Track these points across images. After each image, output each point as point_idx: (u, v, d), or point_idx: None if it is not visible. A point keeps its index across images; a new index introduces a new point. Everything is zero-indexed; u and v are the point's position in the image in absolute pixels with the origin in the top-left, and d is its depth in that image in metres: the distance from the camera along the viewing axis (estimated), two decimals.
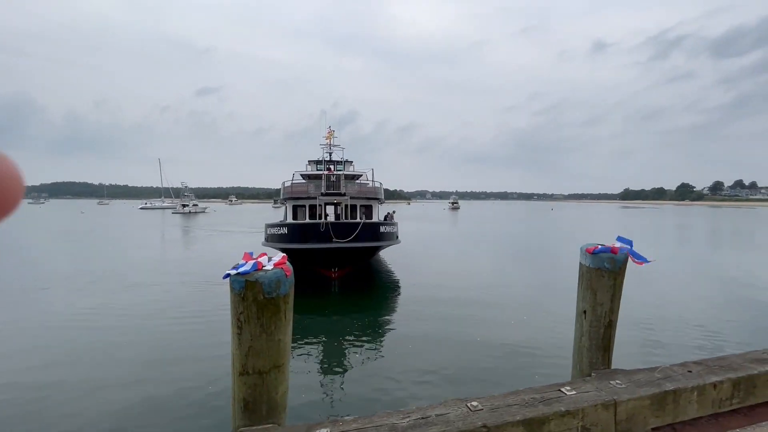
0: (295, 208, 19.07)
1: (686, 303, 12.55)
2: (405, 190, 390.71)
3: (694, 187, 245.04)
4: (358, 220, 16.79)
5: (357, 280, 15.52)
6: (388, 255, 21.98)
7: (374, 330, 9.87)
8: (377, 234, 15.42)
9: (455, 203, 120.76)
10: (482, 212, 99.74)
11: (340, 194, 17.92)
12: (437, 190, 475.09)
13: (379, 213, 21.52)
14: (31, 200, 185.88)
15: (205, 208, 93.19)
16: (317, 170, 26.24)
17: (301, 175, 22.37)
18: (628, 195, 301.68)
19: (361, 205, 19.05)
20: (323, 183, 18.25)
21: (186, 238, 34.09)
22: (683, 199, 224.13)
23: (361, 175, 23.47)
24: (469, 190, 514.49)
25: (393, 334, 9.59)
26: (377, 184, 20.22)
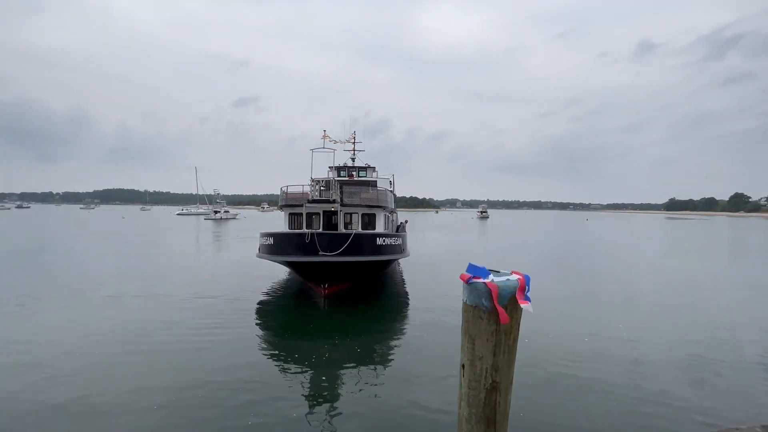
0: (291, 216, 17.59)
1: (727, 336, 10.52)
2: (435, 199, 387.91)
3: (750, 197, 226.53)
4: (352, 230, 15.37)
5: (352, 297, 13.68)
6: (406, 268, 20.93)
7: (350, 357, 8.55)
8: (374, 246, 13.77)
9: (484, 212, 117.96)
10: (512, 221, 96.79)
11: (329, 201, 16.00)
12: (468, 199, 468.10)
13: (389, 222, 20.03)
14: (83, 206, 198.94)
15: (236, 214, 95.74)
16: (339, 176, 25.64)
17: (312, 179, 21.87)
18: (673, 205, 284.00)
19: (363, 214, 17.19)
20: (316, 189, 16.65)
21: (209, 243, 34.90)
22: (737, 210, 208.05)
23: (375, 182, 22.44)
24: (501, 199, 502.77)
25: (382, 363, 8.26)
26: (385, 191, 18.70)
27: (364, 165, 28.06)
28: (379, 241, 14.08)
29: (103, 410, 6.19)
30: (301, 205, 16.45)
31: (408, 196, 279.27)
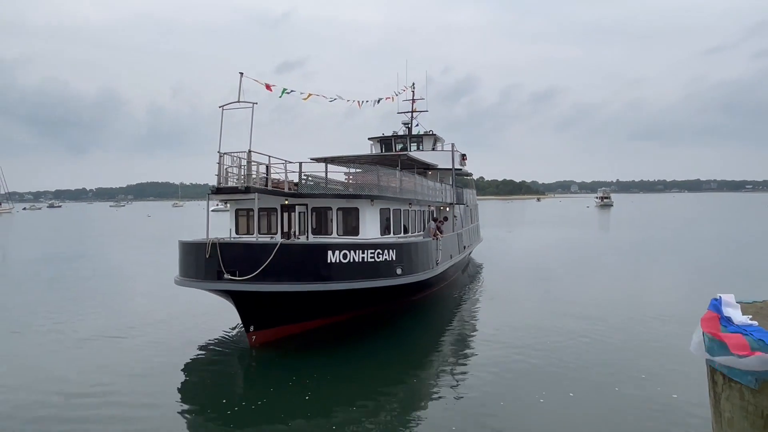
0: (237, 214, 15.35)
1: None
2: (539, 181, 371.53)
3: None
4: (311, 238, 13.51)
5: (300, 343, 11.62)
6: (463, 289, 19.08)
7: None
8: (317, 267, 11.24)
9: (606, 198, 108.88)
10: (650, 209, 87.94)
11: (235, 189, 12.37)
12: (587, 180, 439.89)
13: (422, 222, 18.07)
14: (113, 203, 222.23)
15: None
16: (384, 150, 23.94)
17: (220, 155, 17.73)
18: None
19: (339, 209, 14.74)
20: (235, 169, 12.93)
21: None
22: None
23: (424, 162, 20.17)
24: (636, 179, 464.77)
25: None
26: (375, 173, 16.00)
27: (423, 132, 25.00)
28: (334, 256, 11.37)
29: None
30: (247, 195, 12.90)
31: (500, 179, 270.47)
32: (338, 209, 14.78)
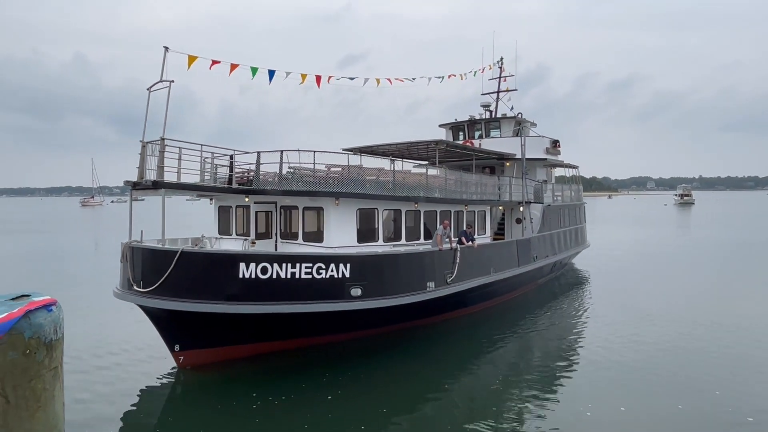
0: (220, 211, 13.87)
1: None
2: (612, 177, 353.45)
3: None
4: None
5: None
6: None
7: None
8: (223, 283, 9.38)
9: (686, 195, 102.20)
10: (740, 210, 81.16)
11: (143, 186, 10.25)
12: (666, 176, 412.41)
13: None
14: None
15: None
16: (457, 138, 21.13)
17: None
18: None
19: (305, 209, 12.27)
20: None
21: None
22: None
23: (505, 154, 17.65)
24: (724, 175, 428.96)
25: None
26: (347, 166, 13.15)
27: (508, 115, 21.26)
28: (252, 271, 9.35)
29: None
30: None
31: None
32: (304, 209, 12.33)
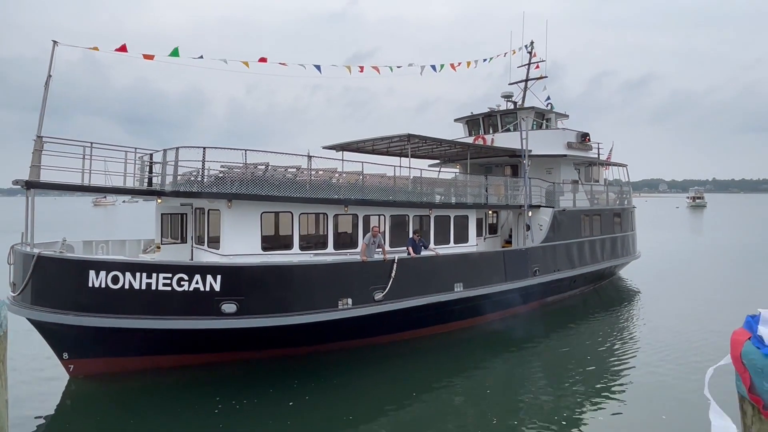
0: (162, 218, 13.64)
1: None
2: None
3: None
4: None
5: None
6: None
7: None
8: (74, 291, 8.76)
9: (698, 198, 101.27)
10: (755, 212, 79.91)
11: (64, 185, 10.10)
12: (679, 179, 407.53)
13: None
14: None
15: None
16: (472, 133, 19.54)
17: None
18: None
19: (210, 211, 11.42)
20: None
21: None
22: None
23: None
24: (739, 177, 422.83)
25: None
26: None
27: (541, 106, 19.24)
28: (102, 280, 8.58)
29: None
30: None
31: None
32: (209, 211, 11.43)
